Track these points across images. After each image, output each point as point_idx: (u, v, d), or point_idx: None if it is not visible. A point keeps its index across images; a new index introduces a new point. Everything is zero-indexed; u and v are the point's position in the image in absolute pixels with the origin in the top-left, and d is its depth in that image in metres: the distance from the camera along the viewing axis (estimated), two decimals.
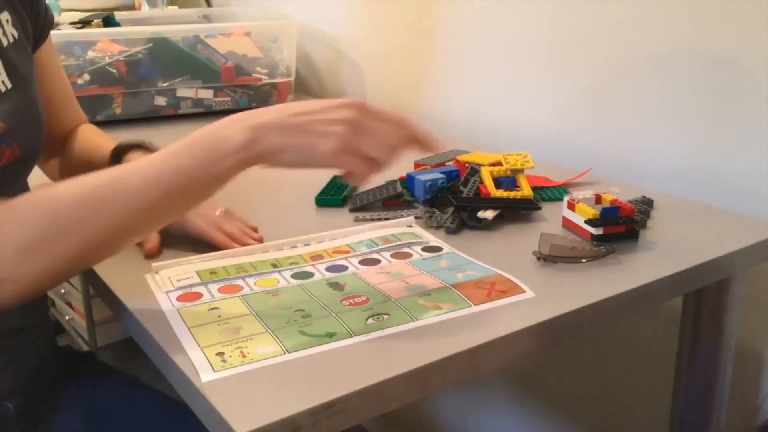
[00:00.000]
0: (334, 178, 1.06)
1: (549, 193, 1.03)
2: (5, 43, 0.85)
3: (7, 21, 0.86)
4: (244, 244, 0.87)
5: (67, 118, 1.04)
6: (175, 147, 0.68)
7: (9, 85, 0.83)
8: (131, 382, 1.01)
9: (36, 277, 0.67)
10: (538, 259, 0.81)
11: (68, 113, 1.05)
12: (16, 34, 0.87)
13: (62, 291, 1.76)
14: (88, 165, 0.96)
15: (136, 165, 0.68)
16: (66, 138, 1.05)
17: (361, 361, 0.63)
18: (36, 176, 0.94)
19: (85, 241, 0.66)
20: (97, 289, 0.83)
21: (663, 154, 1.12)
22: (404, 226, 0.91)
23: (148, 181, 0.66)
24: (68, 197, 0.67)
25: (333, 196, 1.01)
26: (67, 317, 1.79)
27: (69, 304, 1.78)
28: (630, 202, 0.93)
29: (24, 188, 0.92)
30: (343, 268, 0.80)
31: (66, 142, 1.04)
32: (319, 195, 1.02)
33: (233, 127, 0.67)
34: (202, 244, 0.86)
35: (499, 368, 0.68)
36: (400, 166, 1.08)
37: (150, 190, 0.66)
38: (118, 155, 0.93)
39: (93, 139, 1.04)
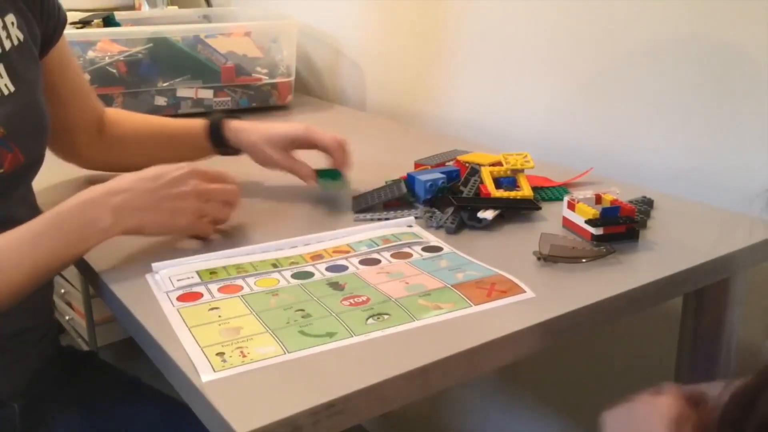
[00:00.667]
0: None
1: (549, 193, 1.03)
2: (8, 46, 0.84)
3: (12, 23, 0.86)
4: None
5: (91, 109, 1.06)
6: (42, 226, 0.76)
7: (11, 89, 0.83)
8: (132, 382, 1.01)
9: None
10: (539, 259, 0.81)
11: (91, 105, 1.07)
12: (21, 36, 0.87)
13: (62, 291, 1.76)
14: (156, 140, 1.08)
15: (9, 244, 0.75)
16: (97, 127, 1.07)
17: (361, 361, 0.63)
18: (41, 180, 0.94)
19: None
20: (97, 290, 0.83)
21: (663, 154, 1.12)
22: (404, 226, 0.91)
23: (21, 261, 0.75)
24: None
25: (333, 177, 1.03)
26: (67, 317, 1.79)
27: (69, 304, 1.77)
28: (630, 202, 0.93)
29: (28, 193, 0.92)
30: (344, 267, 0.80)
31: (103, 129, 1.07)
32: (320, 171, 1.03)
33: (97, 210, 0.77)
34: (201, 244, 0.86)
35: (499, 368, 0.68)
36: (400, 167, 1.09)
37: (23, 269, 0.75)
38: (217, 126, 1.04)
39: (143, 118, 1.12)
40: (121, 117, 1.10)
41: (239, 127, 1.04)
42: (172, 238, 0.89)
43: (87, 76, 1.10)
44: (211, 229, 0.87)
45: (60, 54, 0.97)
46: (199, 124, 1.05)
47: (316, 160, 1.05)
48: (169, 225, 0.83)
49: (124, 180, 0.81)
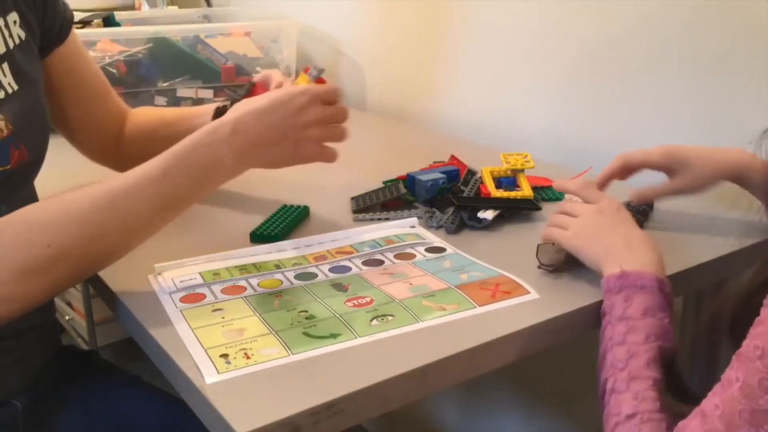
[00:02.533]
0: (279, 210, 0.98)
1: (549, 193, 1.04)
2: (12, 44, 0.84)
3: (15, 22, 0.86)
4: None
5: (111, 110, 1.04)
6: (171, 163, 0.73)
7: (15, 87, 0.83)
8: (133, 381, 1.01)
9: (36, 297, 0.70)
10: (540, 267, 0.80)
11: (111, 105, 1.05)
12: (23, 35, 0.87)
13: None
14: (171, 134, 0.97)
15: (135, 181, 0.72)
16: (120, 129, 1.05)
17: (362, 361, 0.63)
18: (44, 180, 0.94)
19: (86, 262, 0.71)
20: (97, 290, 0.83)
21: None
22: (407, 226, 0.91)
23: (148, 200, 0.72)
24: (71, 220, 0.70)
25: (270, 231, 0.91)
26: (67, 317, 1.79)
27: (69, 304, 1.77)
28: (630, 202, 0.93)
29: (31, 192, 0.92)
30: (347, 269, 0.80)
31: (123, 131, 1.05)
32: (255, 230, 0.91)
33: (223, 149, 0.74)
34: (203, 245, 0.86)
35: (500, 368, 0.69)
36: (400, 167, 1.09)
37: (150, 209, 0.72)
38: (222, 112, 0.97)
39: (157, 112, 1.08)
40: (141, 115, 1.08)
41: None
42: (174, 239, 0.89)
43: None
44: (335, 153, 0.84)
45: (71, 53, 0.96)
46: (207, 111, 1.02)
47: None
48: (295, 156, 0.81)
49: (245, 116, 0.77)
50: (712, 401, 0.53)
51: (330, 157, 0.84)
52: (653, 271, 0.70)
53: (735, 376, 0.52)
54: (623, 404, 0.61)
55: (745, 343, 0.52)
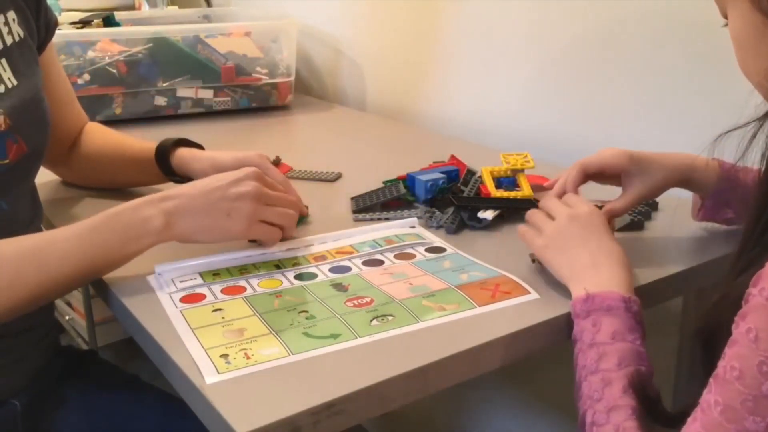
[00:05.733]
0: None
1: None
2: (9, 41, 0.85)
3: (14, 20, 0.87)
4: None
5: (72, 119, 1.05)
6: (95, 222, 0.75)
7: (14, 82, 0.84)
8: (132, 380, 1.01)
9: None
10: (533, 261, 0.81)
11: (73, 114, 1.05)
12: (21, 33, 0.88)
13: None
14: (116, 162, 1.04)
15: (63, 234, 0.74)
16: (75, 139, 1.05)
17: (362, 361, 0.63)
18: (45, 177, 0.95)
19: (13, 298, 0.72)
20: (97, 290, 0.83)
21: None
22: (407, 226, 0.91)
23: (72, 253, 0.73)
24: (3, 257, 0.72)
25: None
26: (67, 317, 1.79)
27: (69, 304, 1.77)
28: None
29: (32, 188, 0.92)
30: (347, 269, 0.80)
31: (77, 142, 1.05)
32: None
33: (150, 210, 0.75)
34: (204, 245, 0.86)
35: (500, 368, 0.69)
36: (399, 167, 1.09)
37: (74, 263, 0.74)
38: (163, 153, 0.98)
39: (112, 136, 1.07)
40: (94, 132, 1.07)
41: (188, 156, 0.98)
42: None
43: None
44: (275, 233, 0.82)
45: (48, 59, 0.97)
46: (151, 149, 1.00)
47: None
48: (226, 228, 0.78)
49: (183, 186, 0.79)
50: (694, 427, 0.51)
51: (265, 236, 0.81)
52: (619, 290, 0.68)
53: (714, 399, 0.50)
54: None
55: (721, 364, 0.51)
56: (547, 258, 0.76)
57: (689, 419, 0.53)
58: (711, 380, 0.52)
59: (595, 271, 0.71)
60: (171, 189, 0.79)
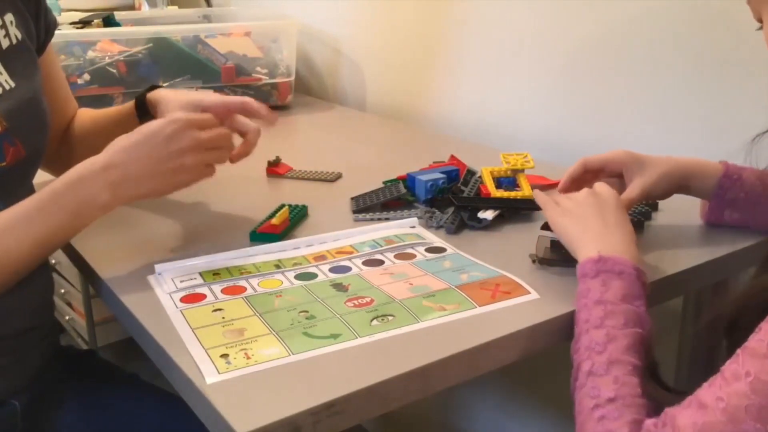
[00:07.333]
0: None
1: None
2: (6, 44, 0.85)
3: (11, 22, 0.87)
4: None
5: (68, 114, 1.06)
6: (45, 199, 0.76)
7: (12, 84, 0.84)
8: (132, 380, 1.01)
9: None
10: (534, 261, 0.81)
11: (68, 110, 1.06)
12: (19, 35, 0.88)
13: (62, 291, 1.76)
14: (102, 133, 1.00)
15: (13, 216, 0.76)
16: (66, 129, 1.06)
17: (362, 362, 0.63)
18: (43, 178, 0.95)
19: None
20: (97, 290, 0.84)
21: (663, 154, 1.12)
22: (407, 226, 0.91)
23: (24, 235, 0.75)
24: None
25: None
26: (67, 317, 1.79)
27: (69, 304, 1.77)
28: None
29: (30, 190, 0.92)
30: (347, 269, 0.80)
31: (68, 133, 1.06)
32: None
33: (94, 185, 0.76)
34: (204, 245, 0.86)
35: (500, 368, 0.69)
36: (400, 167, 1.09)
37: (28, 245, 0.76)
38: (141, 102, 0.99)
39: (95, 113, 1.08)
40: (79, 116, 1.08)
41: (158, 98, 0.98)
42: (174, 239, 0.89)
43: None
44: (212, 171, 0.84)
45: (47, 60, 0.97)
46: (130, 104, 1.01)
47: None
48: (173, 184, 0.81)
49: (118, 151, 0.78)
50: (714, 393, 0.52)
51: (208, 173, 0.83)
52: (631, 259, 0.70)
53: (744, 370, 0.51)
54: (603, 387, 0.60)
55: (756, 337, 0.52)
56: (563, 223, 0.77)
57: (705, 384, 0.53)
58: (739, 352, 0.52)
59: (609, 237, 0.73)
60: (111, 152, 0.78)
